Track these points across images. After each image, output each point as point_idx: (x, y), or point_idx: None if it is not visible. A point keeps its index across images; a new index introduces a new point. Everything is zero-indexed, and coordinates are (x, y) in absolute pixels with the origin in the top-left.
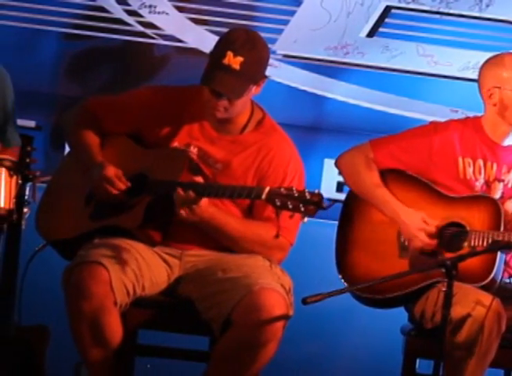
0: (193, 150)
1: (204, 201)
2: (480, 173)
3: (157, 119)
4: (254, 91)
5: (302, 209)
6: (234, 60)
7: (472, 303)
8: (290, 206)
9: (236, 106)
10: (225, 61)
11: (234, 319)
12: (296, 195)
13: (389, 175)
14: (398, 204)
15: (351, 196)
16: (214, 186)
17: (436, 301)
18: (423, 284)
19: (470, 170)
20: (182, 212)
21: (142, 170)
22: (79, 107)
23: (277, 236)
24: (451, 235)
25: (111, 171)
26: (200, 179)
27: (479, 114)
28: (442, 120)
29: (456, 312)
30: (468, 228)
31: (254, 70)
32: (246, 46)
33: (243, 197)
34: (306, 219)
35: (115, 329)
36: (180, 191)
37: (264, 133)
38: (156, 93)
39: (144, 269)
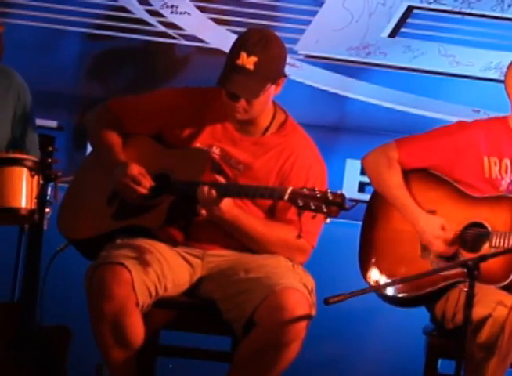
0: (216, 151)
1: (228, 202)
2: (506, 172)
3: (179, 120)
4: (274, 90)
5: (325, 210)
6: (248, 60)
7: (493, 303)
8: (313, 207)
9: (254, 107)
10: (239, 62)
11: (257, 319)
12: (318, 195)
13: (413, 175)
14: (417, 209)
15: (376, 195)
16: (236, 186)
17: (457, 302)
18: (444, 284)
19: (495, 169)
20: (203, 212)
21: (164, 170)
22: (101, 107)
23: (299, 236)
24: (472, 235)
25: (135, 169)
26: (221, 180)
27: (504, 114)
28: (466, 120)
29: (477, 312)
30: (490, 228)
31: (270, 69)
32: (259, 45)
33: (266, 198)
34: (329, 220)
35: (137, 330)
36: (203, 190)
37: (286, 135)
38: (178, 94)
39: (166, 270)
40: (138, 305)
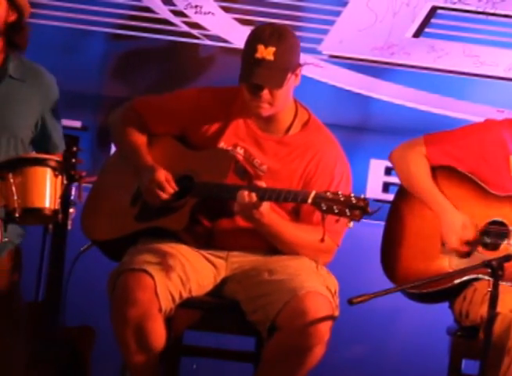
0: (239, 151)
1: (266, 205)
2: None
3: (203, 120)
4: (294, 81)
5: (348, 214)
6: (266, 52)
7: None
8: (336, 210)
9: (278, 99)
10: (258, 55)
11: (280, 323)
12: (342, 199)
13: (438, 171)
14: (445, 200)
15: (401, 191)
16: (260, 190)
17: (471, 300)
18: (462, 280)
19: None
20: (242, 215)
21: (187, 171)
22: (125, 107)
23: (322, 240)
24: (492, 233)
25: (162, 175)
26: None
27: None
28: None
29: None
30: (510, 227)
31: (289, 58)
32: (275, 36)
33: (289, 201)
34: (352, 224)
35: (159, 335)
36: (243, 193)
37: (309, 135)
38: (201, 94)
39: (190, 272)
40: (161, 311)
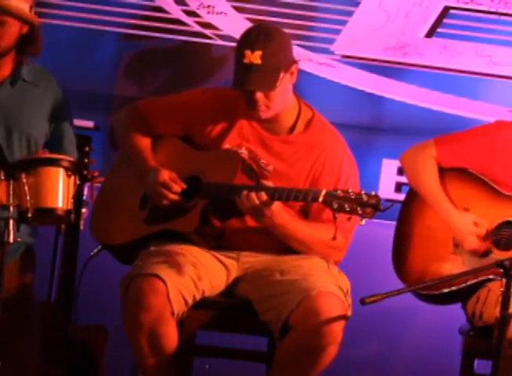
0: (244, 152)
1: (278, 204)
2: None
3: (207, 121)
4: (290, 79)
5: (360, 211)
6: (253, 56)
7: None
8: (348, 208)
9: (274, 100)
10: (246, 60)
11: (293, 323)
12: (353, 197)
13: (449, 172)
14: (450, 206)
15: (412, 193)
16: (269, 189)
17: (485, 300)
18: (474, 281)
19: None
20: (253, 216)
21: (194, 172)
22: (129, 109)
23: (334, 237)
24: (505, 234)
25: (166, 174)
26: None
27: None
28: (504, 119)
29: None
30: None
31: (278, 59)
32: (260, 39)
33: (300, 200)
34: (364, 221)
35: (172, 339)
36: (251, 195)
37: (314, 133)
38: (205, 95)
39: (202, 274)
40: (173, 315)
